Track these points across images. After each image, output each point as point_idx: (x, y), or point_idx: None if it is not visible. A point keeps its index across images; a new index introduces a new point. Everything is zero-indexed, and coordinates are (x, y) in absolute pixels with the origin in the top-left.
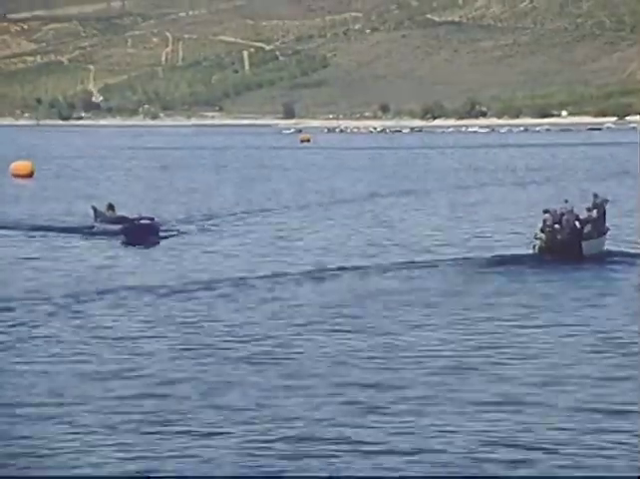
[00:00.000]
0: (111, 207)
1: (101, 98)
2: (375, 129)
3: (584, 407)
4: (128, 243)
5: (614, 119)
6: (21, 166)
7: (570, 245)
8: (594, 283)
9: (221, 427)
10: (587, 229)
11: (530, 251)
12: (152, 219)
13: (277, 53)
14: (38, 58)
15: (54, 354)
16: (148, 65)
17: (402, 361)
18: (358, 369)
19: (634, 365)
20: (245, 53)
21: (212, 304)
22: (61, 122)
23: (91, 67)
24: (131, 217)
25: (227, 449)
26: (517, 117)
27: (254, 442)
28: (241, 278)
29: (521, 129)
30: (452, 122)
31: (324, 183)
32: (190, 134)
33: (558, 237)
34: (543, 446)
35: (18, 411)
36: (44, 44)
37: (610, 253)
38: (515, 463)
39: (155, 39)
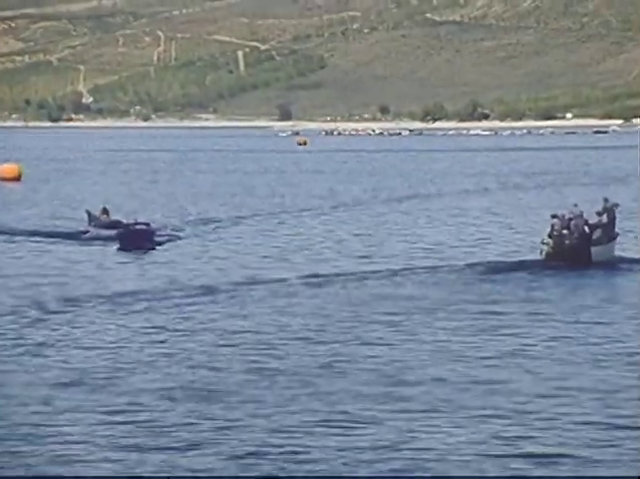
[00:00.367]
0: (105, 211)
1: (91, 99)
2: (374, 131)
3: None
4: (122, 249)
5: (620, 122)
6: (8, 169)
7: (579, 251)
8: (602, 292)
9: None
10: (597, 234)
11: (535, 257)
12: (147, 224)
13: (273, 53)
14: (26, 57)
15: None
16: (139, 65)
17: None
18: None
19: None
20: (240, 53)
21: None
22: (50, 123)
23: (81, 67)
24: (126, 221)
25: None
26: (521, 119)
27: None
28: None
29: (525, 132)
30: (453, 124)
31: (321, 188)
32: (183, 136)
33: (567, 242)
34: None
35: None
36: (32, 43)
37: (621, 260)
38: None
39: (147, 38)
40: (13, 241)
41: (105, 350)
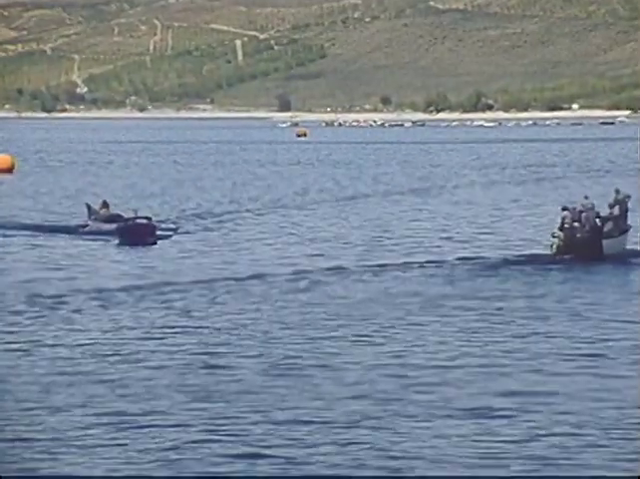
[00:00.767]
0: (105, 204)
1: (85, 89)
2: (375, 122)
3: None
4: (123, 244)
5: (628, 112)
6: (1, 160)
7: (590, 244)
8: (615, 286)
9: None
10: (608, 226)
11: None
12: (148, 218)
13: (272, 42)
14: (19, 47)
15: None
16: (135, 54)
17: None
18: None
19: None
20: (238, 42)
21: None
22: (44, 114)
23: (75, 56)
24: (126, 216)
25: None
26: (526, 110)
27: None
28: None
29: (530, 123)
30: (456, 115)
31: (321, 180)
32: (178, 127)
33: (578, 235)
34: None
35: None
36: (25, 32)
37: (634, 253)
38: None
39: (142, 27)
40: (7, 236)
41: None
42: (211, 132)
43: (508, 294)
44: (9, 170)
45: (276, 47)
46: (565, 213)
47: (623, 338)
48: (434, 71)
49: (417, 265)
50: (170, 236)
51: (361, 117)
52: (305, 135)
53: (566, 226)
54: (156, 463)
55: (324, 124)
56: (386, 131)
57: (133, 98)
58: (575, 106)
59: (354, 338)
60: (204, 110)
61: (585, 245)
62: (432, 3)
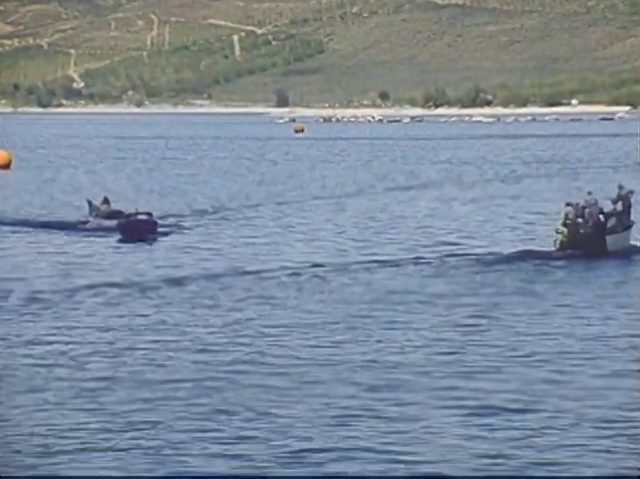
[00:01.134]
0: (106, 200)
1: (82, 84)
2: (373, 118)
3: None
4: (124, 241)
5: (627, 108)
6: None
7: (594, 240)
8: (619, 283)
9: None
10: (611, 222)
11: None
12: (149, 214)
13: (270, 37)
14: (15, 41)
15: None
16: (132, 49)
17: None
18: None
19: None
20: (236, 37)
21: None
22: (40, 109)
23: (72, 51)
24: (127, 212)
25: None
26: (525, 106)
27: None
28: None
29: (529, 118)
30: (455, 111)
31: (319, 177)
32: (176, 123)
33: (581, 231)
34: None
35: None
36: (22, 27)
37: (638, 249)
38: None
39: (139, 22)
40: (6, 231)
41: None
42: (207, 127)
43: (513, 290)
44: (6, 165)
45: (274, 42)
46: (568, 208)
47: (624, 334)
48: (432, 66)
49: (421, 261)
50: (172, 232)
51: (359, 112)
52: (303, 131)
53: (569, 221)
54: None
55: (322, 119)
56: (385, 127)
57: (130, 93)
58: (575, 101)
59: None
60: (202, 105)
61: (588, 241)
62: None
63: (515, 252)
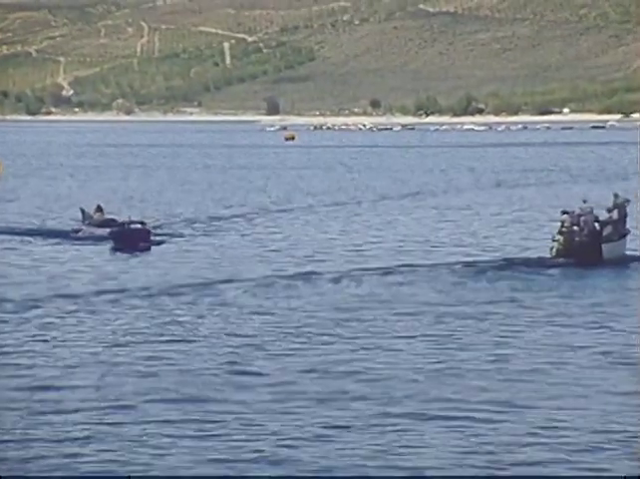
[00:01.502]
0: (99, 209)
1: (71, 92)
2: (364, 126)
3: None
4: (116, 249)
5: (619, 116)
6: None
7: (589, 248)
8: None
9: None
10: (607, 230)
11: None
12: (142, 223)
13: (260, 45)
14: (4, 49)
15: None
16: (122, 57)
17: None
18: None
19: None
20: (226, 44)
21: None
22: (29, 117)
23: (61, 59)
24: (120, 220)
25: None
26: (516, 114)
27: None
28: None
29: (520, 127)
30: (446, 119)
31: (310, 185)
32: (166, 130)
33: (576, 239)
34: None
35: None
36: (10, 34)
37: (633, 258)
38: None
39: (129, 29)
40: None
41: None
42: (197, 135)
43: (510, 297)
44: None
45: (265, 50)
46: (565, 216)
47: (622, 342)
48: (424, 74)
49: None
50: (164, 241)
51: (350, 120)
52: (293, 138)
53: (565, 229)
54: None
55: (313, 127)
56: (376, 135)
57: (119, 101)
58: (566, 110)
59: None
60: (192, 113)
61: (584, 249)
62: (422, 6)
63: (507, 260)
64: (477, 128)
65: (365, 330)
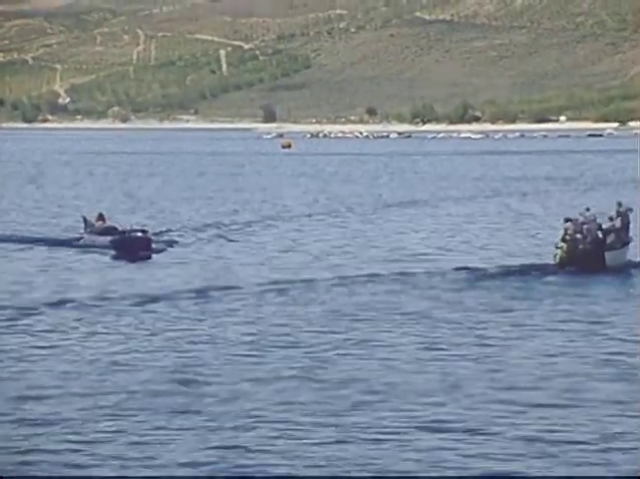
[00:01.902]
0: (101, 217)
1: (68, 99)
2: (361, 133)
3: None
4: (118, 258)
5: (616, 125)
6: None
7: (593, 256)
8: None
9: None
10: (610, 238)
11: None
12: (144, 230)
13: (257, 52)
14: (0, 56)
15: None
16: (118, 64)
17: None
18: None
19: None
20: (222, 52)
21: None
22: (25, 124)
23: (57, 66)
24: (121, 228)
25: None
26: (513, 122)
27: None
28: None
29: (517, 135)
30: (443, 127)
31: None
32: (162, 138)
33: (580, 246)
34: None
35: None
36: (7, 41)
37: (635, 265)
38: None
39: (125, 36)
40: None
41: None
42: (193, 143)
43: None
44: None
45: (261, 57)
46: (568, 224)
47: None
48: (420, 82)
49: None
50: (166, 249)
51: (346, 128)
52: (290, 146)
53: (568, 237)
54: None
55: (309, 135)
56: (372, 142)
57: (115, 108)
58: (563, 118)
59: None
60: (188, 121)
61: (587, 257)
62: (418, 14)
63: (517, 267)
64: (473, 136)
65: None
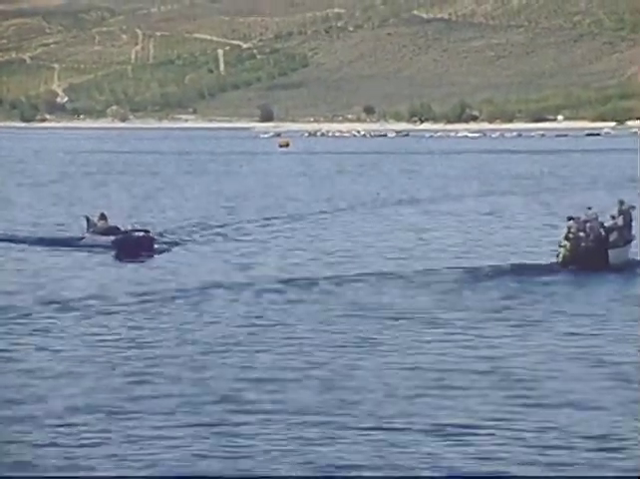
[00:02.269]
0: (103, 216)
1: (66, 98)
2: (358, 132)
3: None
4: (119, 258)
5: (613, 124)
6: None
7: (596, 254)
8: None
9: None
10: (613, 236)
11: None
12: (146, 230)
13: (254, 51)
14: None
15: None
16: (116, 63)
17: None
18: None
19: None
20: (220, 51)
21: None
22: (23, 124)
23: (55, 65)
24: (124, 228)
25: None
26: (510, 121)
27: None
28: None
29: (515, 134)
30: (440, 126)
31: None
32: (160, 137)
33: (583, 244)
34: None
35: None
36: (5, 41)
37: (638, 263)
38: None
39: (124, 36)
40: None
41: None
42: (191, 143)
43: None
44: None
45: (259, 56)
46: (571, 222)
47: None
48: (418, 81)
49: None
50: (169, 249)
51: (344, 127)
52: (287, 145)
53: (572, 235)
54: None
55: (307, 134)
56: (369, 141)
57: (114, 107)
58: (560, 117)
59: None
60: (186, 120)
61: (591, 255)
62: (416, 12)
63: (520, 265)
64: (471, 135)
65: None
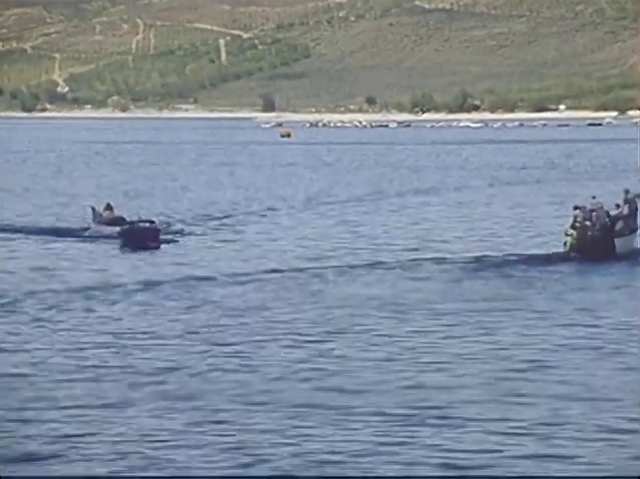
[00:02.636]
0: (109, 207)
1: (67, 88)
2: (360, 123)
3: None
4: (125, 248)
5: (615, 114)
6: None
7: (602, 243)
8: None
9: None
10: (619, 225)
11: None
12: (152, 221)
13: (256, 41)
14: None
15: None
16: (117, 53)
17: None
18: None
19: None
20: (222, 41)
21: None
22: (24, 114)
23: (56, 55)
24: (129, 219)
25: None
26: (512, 111)
27: None
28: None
29: (516, 124)
30: (442, 116)
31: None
32: (161, 127)
33: (589, 233)
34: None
35: None
36: (5, 30)
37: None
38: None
39: (125, 26)
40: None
41: None
42: (191, 132)
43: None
44: None
45: (260, 46)
46: (577, 211)
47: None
48: (419, 71)
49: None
50: (175, 240)
51: (346, 117)
52: (289, 135)
53: (578, 224)
54: None
55: (309, 124)
56: (371, 131)
57: (115, 97)
58: (562, 107)
59: None
60: (187, 110)
61: (598, 244)
62: (417, 2)
63: (528, 254)
64: (472, 125)
65: None
